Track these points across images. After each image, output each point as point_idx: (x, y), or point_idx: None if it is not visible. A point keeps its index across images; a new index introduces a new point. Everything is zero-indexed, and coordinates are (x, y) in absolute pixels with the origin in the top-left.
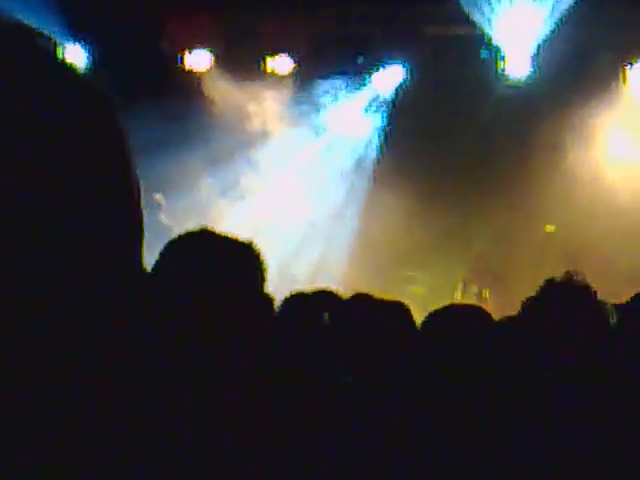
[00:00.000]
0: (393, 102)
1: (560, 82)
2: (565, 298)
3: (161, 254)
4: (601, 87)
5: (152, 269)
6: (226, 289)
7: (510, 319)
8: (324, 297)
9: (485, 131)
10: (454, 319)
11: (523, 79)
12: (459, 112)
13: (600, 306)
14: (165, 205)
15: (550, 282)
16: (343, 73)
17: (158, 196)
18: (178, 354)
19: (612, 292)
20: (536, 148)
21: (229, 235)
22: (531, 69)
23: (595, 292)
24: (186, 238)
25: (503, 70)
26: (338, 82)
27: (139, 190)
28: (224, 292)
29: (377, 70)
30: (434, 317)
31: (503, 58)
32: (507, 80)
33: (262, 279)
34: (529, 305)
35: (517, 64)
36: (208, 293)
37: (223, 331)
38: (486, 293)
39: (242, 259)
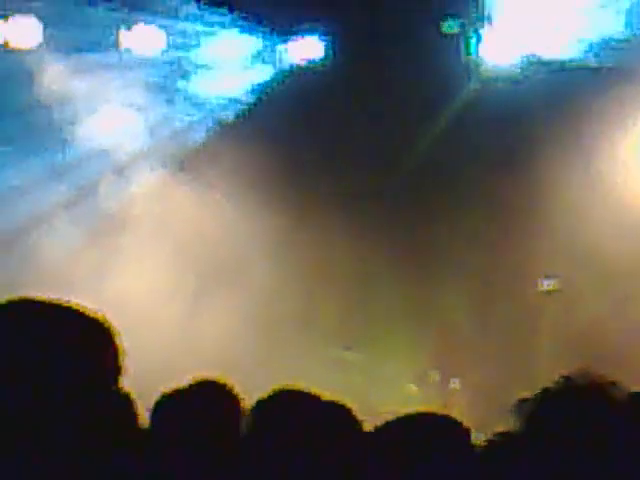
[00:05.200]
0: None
1: (569, 73)
2: (583, 412)
3: None
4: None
5: None
6: (58, 387)
7: (497, 441)
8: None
9: (447, 142)
10: (418, 443)
11: (508, 67)
12: (403, 115)
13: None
14: None
15: (560, 386)
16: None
17: None
18: None
19: None
20: (526, 168)
21: (66, 306)
22: (521, 52)
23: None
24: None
25: (477, 52)
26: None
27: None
28: (54, 393)
29: (285, 40)
30: (388, 435)
31: (478, 34)
32: (483, 68)
33: (117, 369)
34: (528, 416)
35: (501, 43)
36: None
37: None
38: (456, 384)
39: (84, 343)
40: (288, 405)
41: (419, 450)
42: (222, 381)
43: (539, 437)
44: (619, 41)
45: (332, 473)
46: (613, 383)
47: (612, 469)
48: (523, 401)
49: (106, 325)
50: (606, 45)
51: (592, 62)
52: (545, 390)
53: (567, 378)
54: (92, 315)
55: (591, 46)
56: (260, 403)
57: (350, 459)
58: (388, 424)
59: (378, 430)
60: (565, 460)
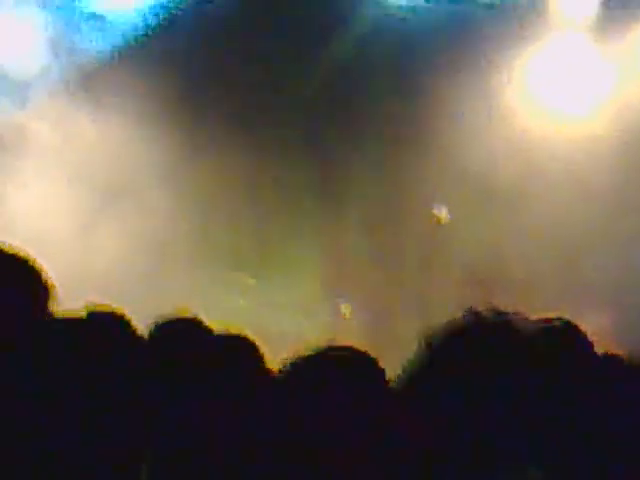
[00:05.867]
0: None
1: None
2: (489, 345)
3: None
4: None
5: None
6: None
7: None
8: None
9: (344, 69)
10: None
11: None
12: (300, 43)
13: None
14: None
15: (466, 318)
16: None
17: None
18: None
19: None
20: (421, 95)
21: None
22: None
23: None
24: None
25: None
26: None
27: None
28: None
29: None
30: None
31: None
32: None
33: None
34: (433, 350)
35: None
36: None
37: None
38: (346, 309)
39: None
40: (187, 335)
41: (332, 387)
42: (116, 310)
43: (445, 371)
44: None
45: (235, 412)
46: (519, 315)
47: (518, 403)
48: (428, 333)
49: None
50: None
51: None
52: (450, 322)
53: (472, 310)
54: (25, 259)
55: None
56: (156, 331)
57: (255, 397)
58: (298, 360)
59: (287, 367)
60: (471, 394)
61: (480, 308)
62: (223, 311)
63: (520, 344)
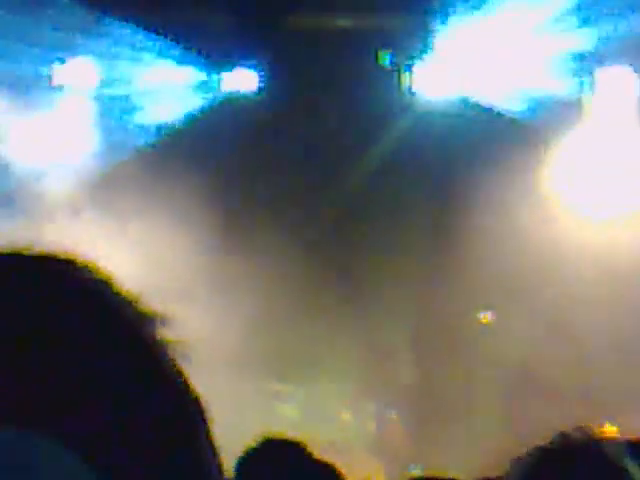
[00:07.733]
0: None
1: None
2: (581, 472)
3: None
4: (560, 103)
5: None
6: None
7: None
8: None
9: (382, 175)
10: None
11: (443, 102)
12: (337, 148)
13: None
14: None
15: (557, 444)
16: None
17: None
18: None
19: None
20: (460, 200)
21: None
22: (457, 89)
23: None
24: None
25: (411, 86)
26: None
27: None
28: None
29: (220, 71)
30: None
31: (412, 68)
32: (418, 103)
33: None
34: (524, 476)
35: (437, 79)
36: None
37: None
38: (392, 415)
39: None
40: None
41: None
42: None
43: None
44: (556, 100)
45: None
46: (612, 438)
47: None
48: (518, 460)
49: None
50: (542, 101)
51: (524, 117)
52: (541, 448)
53: (563, 435)
54: None
55: (529, 100)
56: (249, 460)
57: None
58: None
59: None
60: None
61: (571, 433)
62: (271, 421)
63: (612, 472)
